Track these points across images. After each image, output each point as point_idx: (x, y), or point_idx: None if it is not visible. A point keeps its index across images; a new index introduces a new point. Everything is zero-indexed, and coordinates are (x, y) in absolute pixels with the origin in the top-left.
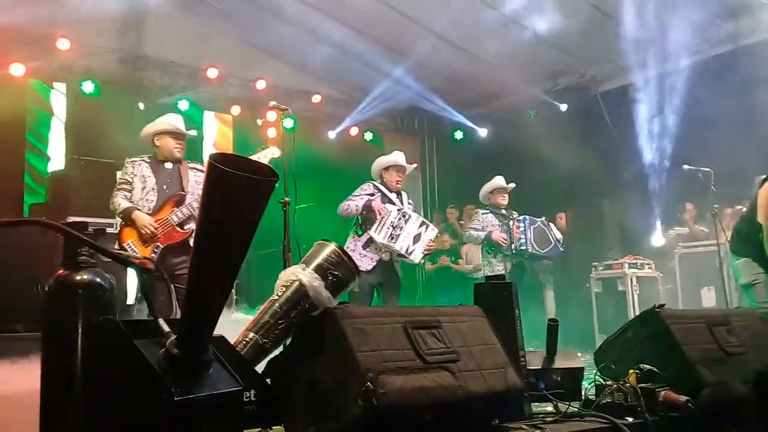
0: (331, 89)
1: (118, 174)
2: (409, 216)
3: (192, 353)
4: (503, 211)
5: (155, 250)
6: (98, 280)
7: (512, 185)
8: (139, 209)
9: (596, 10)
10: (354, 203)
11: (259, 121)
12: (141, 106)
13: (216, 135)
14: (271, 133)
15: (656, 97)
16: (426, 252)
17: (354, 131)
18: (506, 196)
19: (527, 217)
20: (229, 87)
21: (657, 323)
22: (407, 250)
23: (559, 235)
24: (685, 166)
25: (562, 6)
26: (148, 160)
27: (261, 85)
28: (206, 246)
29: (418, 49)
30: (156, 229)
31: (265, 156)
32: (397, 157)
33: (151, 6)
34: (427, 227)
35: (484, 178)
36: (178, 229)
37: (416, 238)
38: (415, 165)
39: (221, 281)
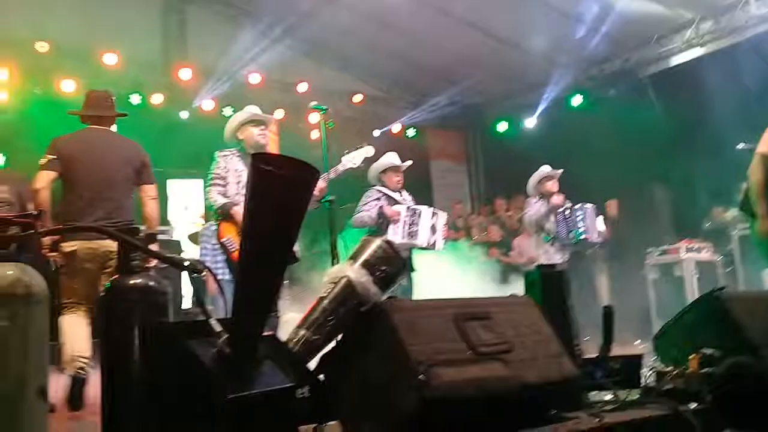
0: (372, 88)
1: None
2: (420, 211)
3: (243, 352)
4: None
5: None
6: (152, 283)
7: (560, 171)
8: (237, 204)
9: None
10: (368, 214)
11: (300, 124)
12: (184, 115)
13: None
14: (314, 135)
15: (706, 78)
16: (445, 238)
17: (396, 128)
18: (556, 182)
19: (585, 205)
20: (271, 91)
21: (717, 306)
22: (429, 242)
23: (602, 227)
24: (740, 145)
25: None
26: (238, 153)
27: (303, 87)
28: (253, 244)
29: (459, 43)
30: None
31: (359, 155)
32: (392, 158)
33: (190, 15)
34: (438, 215)
35: (531, 169)
36: None
37: (433, 229)
38: (410, 162)
39: (269, 279)
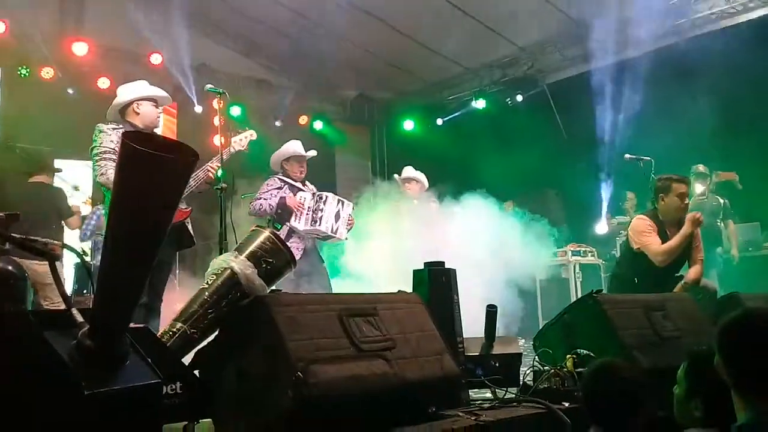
0: (281, 77)
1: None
2: (326, 197)
3: (105, 344)
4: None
5: None
6: (9, 268)
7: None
8: None
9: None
10: (267, 202)
11: (198, 109)
12: (70, 91)
13: (161, 123)
14: (217, 121)
15: (600, 89)
16: (349, 227)
17: (303, 120)
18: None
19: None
20: (172, 74)
21: (594, 308)
22: (332, 229)
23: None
24: (627, 156)
25: None
26: (123, 129)
27: (206, 72)
28: (120, 228)
29: (366, 37)
30: None
31: (244, 137)
32: (296, 147)
33: None
34: (343, 203)
35: (433, 167)
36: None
37: (337, 216)
38: (314, 152)
39: (136, 267)
